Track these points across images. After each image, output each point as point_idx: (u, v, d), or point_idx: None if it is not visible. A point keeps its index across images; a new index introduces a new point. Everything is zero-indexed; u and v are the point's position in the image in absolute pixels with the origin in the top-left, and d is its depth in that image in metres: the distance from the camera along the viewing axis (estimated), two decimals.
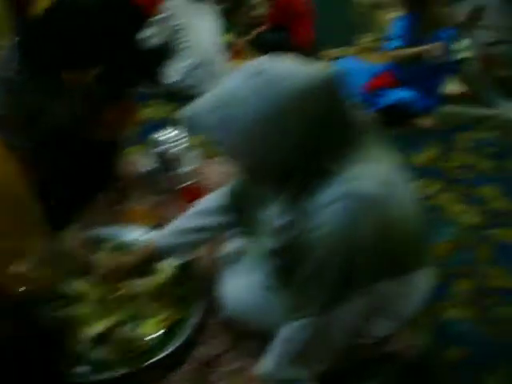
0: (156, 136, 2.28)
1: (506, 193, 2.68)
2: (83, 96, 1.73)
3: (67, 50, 1.67)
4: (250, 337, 1.51)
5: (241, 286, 1.50)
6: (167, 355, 1.44)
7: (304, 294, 1.15)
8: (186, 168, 2.23)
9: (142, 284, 1.61)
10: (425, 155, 3.07)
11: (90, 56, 1.71)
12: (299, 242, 1.14)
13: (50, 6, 1.75)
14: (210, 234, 1.58)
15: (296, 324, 1.17)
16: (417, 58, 3.35)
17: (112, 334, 1.49)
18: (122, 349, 1.46)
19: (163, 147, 2.24)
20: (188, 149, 2.26)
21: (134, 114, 2.15)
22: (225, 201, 1.52)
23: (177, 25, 3.66)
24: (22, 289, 1.25)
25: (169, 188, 2.23)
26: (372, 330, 1.32)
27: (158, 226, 1.81)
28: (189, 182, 2.19)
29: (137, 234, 1.86)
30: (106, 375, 1.38)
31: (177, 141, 2.24)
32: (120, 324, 1.52)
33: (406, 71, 3.45)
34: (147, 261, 1.57)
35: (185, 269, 1.69)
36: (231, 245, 1.64)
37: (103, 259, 1.64)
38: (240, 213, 1.49)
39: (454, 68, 3.52)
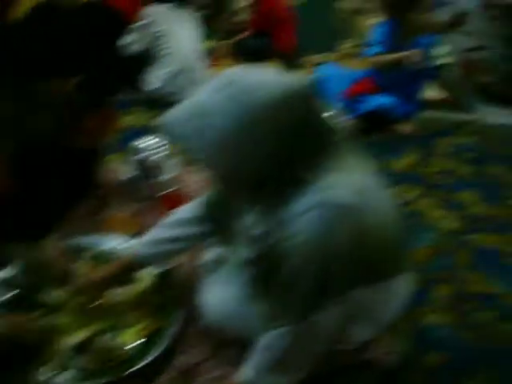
0: (136, 143, 2.28)
1: (485, 198, 2.71)
2: (64, 104, 1.72)
3: (47, 57, 1.66)
4: (230, 345, 1.51)
5: (220, 294, 1.50)
6: (147, 364, 1.44)
7: (281, 303, 1.16)
8: (166, 175, 2.22)
9: (121, 293, 1.61)
10: (405, 161, 3.08)
11: (71, 64, 1.71)
12: (275, 251, 1.14)
13: (29, 13, 1.74)
14: (186, 245, 1.58)
15: (274, 332, 1.17)
16: (397, 64, 3.36)
17: (91, 343, 1.49)
18: (102, 358, 1.46)
19: (143, 155, 2.24)
20: (168, 156, 2.26)
21: (115, 121, 2.14)
22: (201, 211, 1.52)
23: (157, 31, 3.65)
24: None
25: (149, 195, 2.22)
26: (351, 336, 1.33)
27: (138, 233, 1.81)
28: (169, 190, 2.18)
29: (117, 243, 1.85)
30: None
31: (157, 148, 2.23)
32: (99, 333, 1.52)
33: (386, 77, 3.46)
34: (126, 270, 1.57)
35: (164, 278, 1.69)
36: (210, 254, 1.64)
37: (83, 268, 1.64)
38: (216, 223, 1.48)
39: (433, 74, 3.55)
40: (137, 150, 2.25)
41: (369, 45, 3.59)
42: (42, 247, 1.67)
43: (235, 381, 1.32)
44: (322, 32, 4.93)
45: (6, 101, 1.67)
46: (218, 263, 1.58)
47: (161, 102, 3.43)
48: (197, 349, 1.55)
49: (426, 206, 2.63)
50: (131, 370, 1.42)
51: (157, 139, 2.26)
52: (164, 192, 2.18)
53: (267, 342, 1.20)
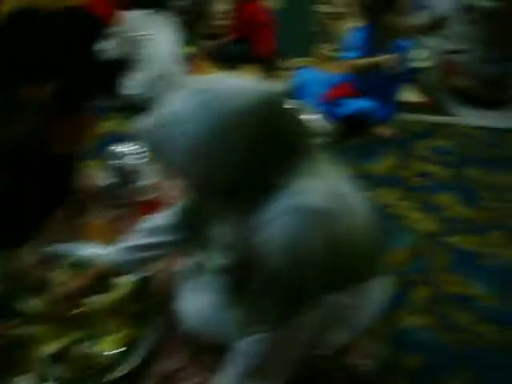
0: (114, 149, 2.26)
1: (463, 200, 2.74)
2: (39, 110, 1.71)
3: (22, 64, 1.64)
4: (209, 352, 1.50)
5: (196, 301, 1.50)
6: (126, 372, 1.43)
7: (256, 309, 1.15)
8: (144, 182, 2.22)
9: (99, 301, 1.59)
10: (384, 164, 3.10)
11: (46, 70, 1.69)
12: (249, 258, 1.14)
13: (5, 18, 1.72)
14: (162, 252, 1.56)
15: (251, 339, 1.17)
16: (375, 67, 3.39)
17: (69, 352, 1.48)
18: (80, 367, 1.45)
19: (122, 161, 2.22)
20: (147, 162, 2.25)
21: (92, 127, 2.13)
22: (176, 218, 1.51)
23: (135, 37, 3.63)
24: None
25: (128, 202, 2.21)
26: (328, 340, 1.33)
27: (116, 240, 1.79)
28: (148, 196, 2.17)
29: (94, 250, 1.83)
30: None
31: (135, 154, 2.23)
32: (78, 342, 1.50)
33: (365, 81, 3.48)
34: (103, 278, 1.56)
35: (142, 285, 1.68)
36: (188, 261, 1.63)
37: (60, 277, 1.63)
38: (191, 230, 1.48)
39: (411, 77, 3.57)
40: (114, 156, 2.24)
41: (347, 49, 3.61)
42: (19, 255, 1.66)
43: None
44: (301, 36, 4.95)
45: None
46: (195, 270, 1.57)
47: (140, 108, 3.41)
48: (176, 356, 1.54)
49: (404, 208, 2.65)
50: (110, 378, 1.41)
51: (135, 145, 2.25)
52: (142, 198, 2.17)
53: (244, 348, 1.20)
